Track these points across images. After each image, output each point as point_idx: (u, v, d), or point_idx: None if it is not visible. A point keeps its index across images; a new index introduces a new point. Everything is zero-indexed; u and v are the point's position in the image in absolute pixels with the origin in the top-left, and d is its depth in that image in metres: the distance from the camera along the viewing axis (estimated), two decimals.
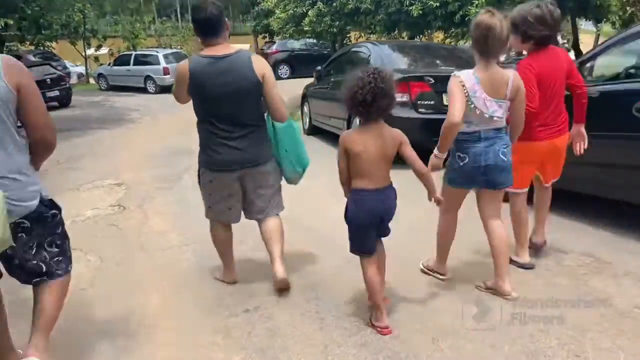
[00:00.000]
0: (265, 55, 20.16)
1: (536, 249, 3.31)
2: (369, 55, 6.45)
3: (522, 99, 2.67)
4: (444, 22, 8.65)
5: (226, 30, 2.81)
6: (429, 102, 5.65)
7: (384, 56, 6.30)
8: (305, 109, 8.78)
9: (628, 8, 11.30)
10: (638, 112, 3.25)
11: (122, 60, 20.27)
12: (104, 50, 24.62)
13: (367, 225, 2.48)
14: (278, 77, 19.29)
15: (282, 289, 2.95)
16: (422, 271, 3.16)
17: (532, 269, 3.16)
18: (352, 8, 9.97)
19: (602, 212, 4.05)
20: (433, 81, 5.64)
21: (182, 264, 3.64)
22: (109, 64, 21.50)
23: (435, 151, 2.71)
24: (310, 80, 8.82)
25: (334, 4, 10.73)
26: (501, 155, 2.65)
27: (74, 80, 25.99)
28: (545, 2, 2.87)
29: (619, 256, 3.34)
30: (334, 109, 7.02)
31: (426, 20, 8.97)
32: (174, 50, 20.77)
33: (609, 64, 4.11)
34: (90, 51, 24.90)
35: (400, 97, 5.69)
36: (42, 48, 21.83)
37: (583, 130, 3.12)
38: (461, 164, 2.70)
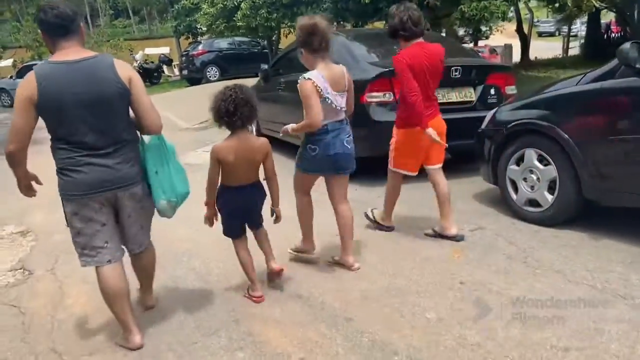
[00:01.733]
0: (191, 57, 18.63)
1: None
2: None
3: (352, 88, 3.05)
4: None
5: (81, 34, 2.45)
6: None
7: (350, 48, 5.22)
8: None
9: None
10: None
11: (26, 71, 17.86)
12: (6, 62, 21.94)
13: (232, 214, 2.89)
14: (207, 80, 17.99)
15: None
16: (290, 254, 3.46)
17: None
18: None
19: None
20: None
21: None
22: (10, 77, 19.04)
23: (291, 126, 3.05)
24: (249, 81, 7.54)
25: None
26: (345, 144, 3.02)
27: None
28: (407, 5, 3.32)
29: None
30: (287, 113, 5.86)
31: (377, 7, 8.02)
32: None
33: None
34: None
35: (380, 97, 4.66)
36: None
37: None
38: (313, 154, 3.00)
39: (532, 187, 3.77)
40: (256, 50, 18.31)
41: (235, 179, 2.78)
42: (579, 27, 23.94)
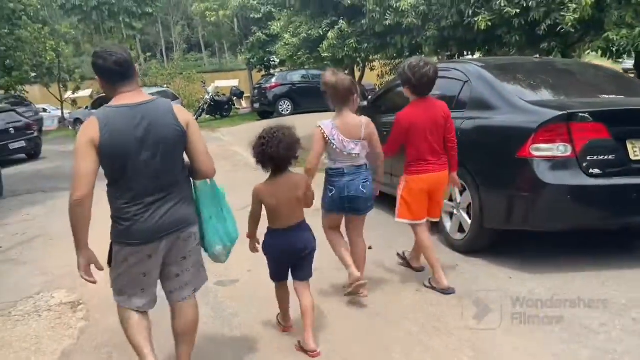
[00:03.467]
0: (264, 90, 18.04)
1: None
2: (466, 82, 4.15)
3: (375, 139, 3.25)
4: (522, 35, 6.45)
5: (136, 77, 2.44)
6: (607, 158, 3.31)
7: (491, 82, 3.96)
8: None
9: None
10: None
11: (101, 103, 17.79)
12: (85, 92, 22.37)
13: (279, 257, 2.86)
14: (279, 114, 17.30)
15: None
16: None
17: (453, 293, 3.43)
18: (388, 25, 7.76)
19: None
20: (611, 121, 3.31)
21: None
22: (86, 108, 19.22)
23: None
24: (323, 116, 6.42)
25: (361, 23, 8.55)
26: (361, 188, 3.23)
27: (54, 125, 23.70)
28: (421, 58, 3.46)
29: None
30: (394, 160, 4.64)
31: (495, 35, 6.77)
32: (160, 88, 18.48)
33: None
34: (68, 94, 22.69)
35: (553, 150, 3.35)
36: (13, 92, 19.61)
37: (455, 176, 3.57)
38: (330, 194, 3.25)
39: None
40: None
41: (280, 220, 2.79)
42: None
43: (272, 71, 22.08)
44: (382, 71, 17.21)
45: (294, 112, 16.91)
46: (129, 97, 2.32)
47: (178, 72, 24.42)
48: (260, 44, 21.12)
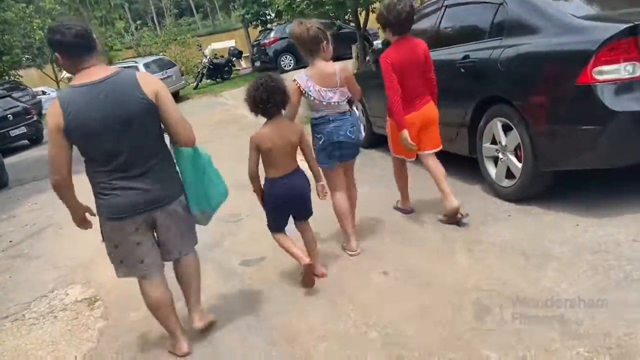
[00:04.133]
0: (263, 47, 17.26)
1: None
2: (500, 4, 3.57)
3: (353, 82, 3.24)
4: None
5: (97, 50, 2.34)
6: None
7: (542, 2, 3.35)
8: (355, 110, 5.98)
9: None
10: None
11: None
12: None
13: (278, 207, 2.99)
14: (282, 70, 16.54)
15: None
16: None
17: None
18: None
19: None
20: None
21: None
22: None
23: None
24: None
25: None
26: (349, 133, 3.23)
27: None
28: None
29: None
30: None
31: None
32: (156, 56, 17.76)
33: None
34: (64, 73, 22.07)
35: (620, 71, 2.83)
36: (7, 77, 19.06)
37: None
38: (320, 143, 3.24)
39: None
40: (331, 32, 16.49)
41: (276, 168, 2.90)
42: None
43: (269, 26, 21.09)
44: None
45: (297, 66, 16.20)
46: (92, 73, 2.25)
47: (172, 38, 23.56)
48: None
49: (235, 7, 22.12)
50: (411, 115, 3.37)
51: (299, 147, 2.95)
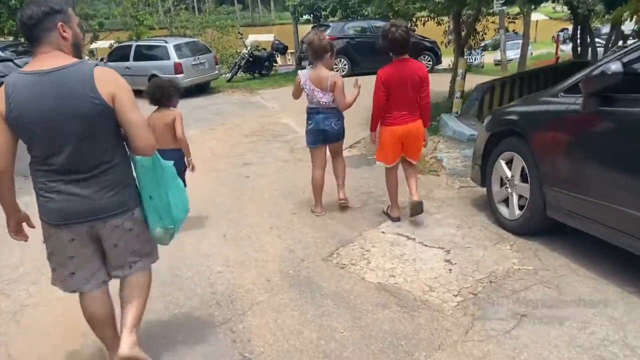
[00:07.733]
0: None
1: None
2: None
3: (339, 91, 4.14)
4: None
5: (58, 34, 2.09)
6: None
7: None
8: (502, 167, 4.00)
9: None
10: None
11: (119, 55, 14.67)
12: (104, 43, 19.35)
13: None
14: None
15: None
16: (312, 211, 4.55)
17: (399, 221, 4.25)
18: None
19: None
20: None
21: None
22: (101, 59, 16.25)
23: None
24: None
25: None
26: (333, 125, 4.26)
27: None
28: (391, 22, 3.97)
29: None
30: None
31: None
32: (189, 39, 15.34)
33: None
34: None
35: None
36: (21, 39, 16.82)
37: (426, 132, 4.20)
38: (309, 128, 4.31)
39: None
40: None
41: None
42: None
43: (321, 21, 18.53)
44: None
45: (352, 72, 13.61)
46: (44, 61, 2.07)
47: (211, 22, 21.23)
48: None
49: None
50: (396, 127, 3.97)
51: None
